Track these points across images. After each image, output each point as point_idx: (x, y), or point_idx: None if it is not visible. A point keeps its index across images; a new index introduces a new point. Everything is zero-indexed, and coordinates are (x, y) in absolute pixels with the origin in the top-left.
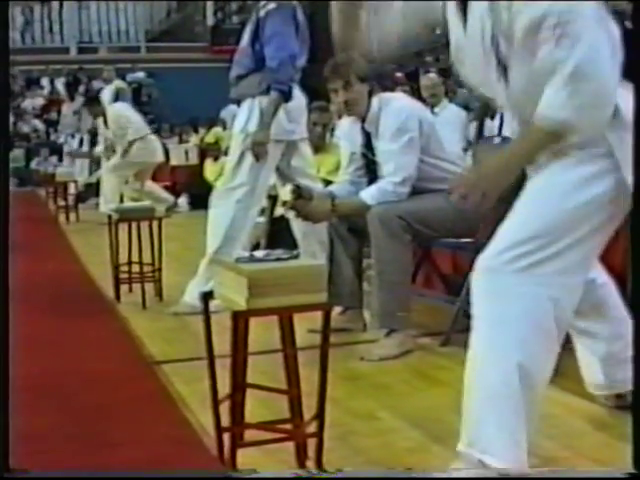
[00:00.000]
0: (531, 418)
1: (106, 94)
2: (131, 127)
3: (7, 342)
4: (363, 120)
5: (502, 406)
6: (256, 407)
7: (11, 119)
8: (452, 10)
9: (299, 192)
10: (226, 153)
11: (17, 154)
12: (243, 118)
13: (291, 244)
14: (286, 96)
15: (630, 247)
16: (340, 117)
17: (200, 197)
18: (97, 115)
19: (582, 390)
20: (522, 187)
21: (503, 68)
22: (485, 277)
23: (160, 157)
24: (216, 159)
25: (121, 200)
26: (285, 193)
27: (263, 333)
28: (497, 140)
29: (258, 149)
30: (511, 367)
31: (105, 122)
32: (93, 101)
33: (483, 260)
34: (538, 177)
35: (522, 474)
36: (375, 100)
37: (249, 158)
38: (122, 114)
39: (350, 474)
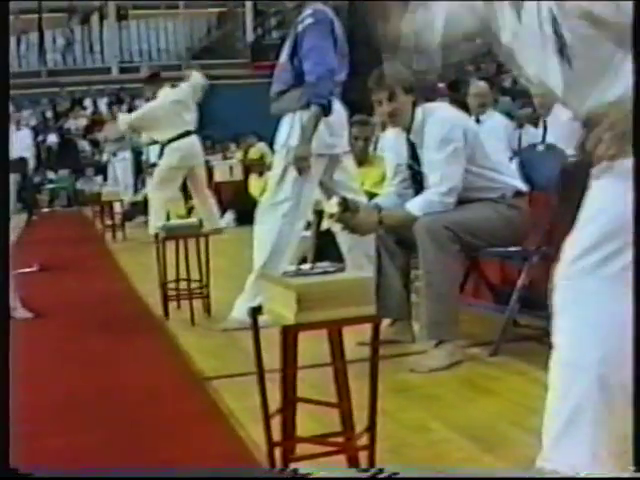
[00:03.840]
0: (613, 432)
1: None
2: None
3: (7, 340)
4: (408, 131)
5: (582, 420)
6: (307, 421)
7: (56, 140)
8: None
9: (346, 205)
10: (269, 168)
11: (63, 174)
12: (284, 133)
13: (337, 258)
14: (326, 110)
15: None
16: (384, 129)
17: (246, 213)
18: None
19: None
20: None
21: (563, 53)
22: (564, 286)
23: (200, 158)
24: (261, 174)
25: (168, 218)
26: (331, 206)
27: (312, 347)
28: (541, 147)
29: (300, 163)
30: (591, 380)
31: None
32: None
33: (561, 269)
34: (599, 187)
35: (523, 475)
36: (419, 111)
37: (292, 173)
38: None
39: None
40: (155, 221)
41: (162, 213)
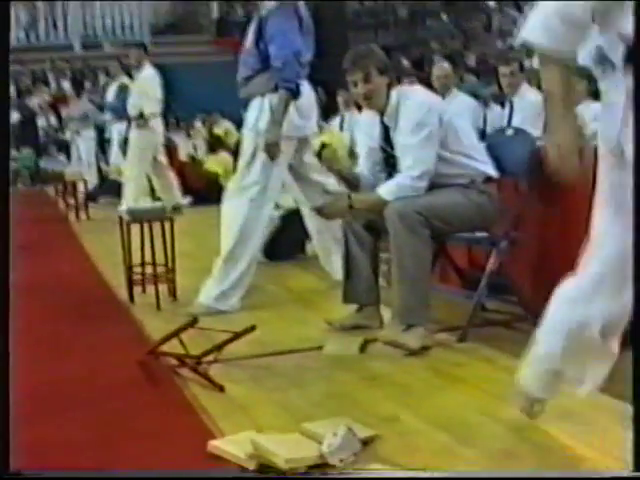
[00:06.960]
0: None
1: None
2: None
3: (7, 345)
4: (382, 113)
5: None
6: (279, 412)
7: (18, 117)
8: None
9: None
10: (235, 146)
11: (25, 153)
12: (253, 116)
13: (303, 239)
14: (294, 93)
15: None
16: (360, 110)
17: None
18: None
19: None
20: None
21: None
22: None
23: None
24: (232, 153)
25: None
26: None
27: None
28: (510, 132)
29: (272, 149)
30: None
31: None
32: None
33: None
34: None
35: (520, 473)
36: (394, 93)
37: (261, 156)
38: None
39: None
40: (133, 197)
41: (141, 189)
